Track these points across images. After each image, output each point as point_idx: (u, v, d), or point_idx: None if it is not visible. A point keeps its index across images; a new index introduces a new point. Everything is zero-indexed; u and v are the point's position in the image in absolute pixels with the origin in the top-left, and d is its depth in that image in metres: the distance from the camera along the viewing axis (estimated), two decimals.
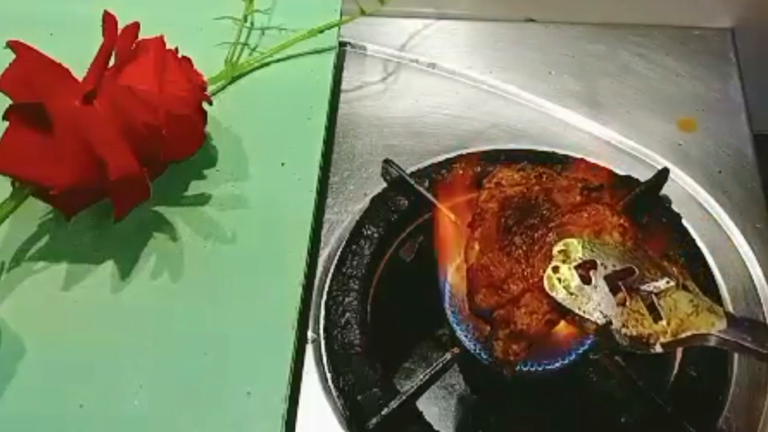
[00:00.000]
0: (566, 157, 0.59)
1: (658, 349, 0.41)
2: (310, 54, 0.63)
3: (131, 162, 0.50)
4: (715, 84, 0.65)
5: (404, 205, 0.57)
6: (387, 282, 0.56)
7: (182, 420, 0.48)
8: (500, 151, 0.60)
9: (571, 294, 0.42)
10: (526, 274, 0.45)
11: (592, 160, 0.59)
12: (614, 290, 0.42)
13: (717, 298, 0.54)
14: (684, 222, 0.57)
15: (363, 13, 0.63)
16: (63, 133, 0.48)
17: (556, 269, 0.43)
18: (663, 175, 0.57)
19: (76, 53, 0.51)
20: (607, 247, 0.44)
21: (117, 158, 0.49)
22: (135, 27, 0.53)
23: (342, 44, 0.66)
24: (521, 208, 0.47)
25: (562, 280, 0.43)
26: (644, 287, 0.42)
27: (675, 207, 0.58)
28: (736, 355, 0.52)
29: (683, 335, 0.41)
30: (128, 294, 0.52)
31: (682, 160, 0.61)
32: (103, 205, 0.52)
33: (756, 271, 0.56)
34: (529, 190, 0.48)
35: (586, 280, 0.43)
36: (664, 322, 0.41)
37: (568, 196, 0.47)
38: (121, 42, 0.52)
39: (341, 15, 0.64)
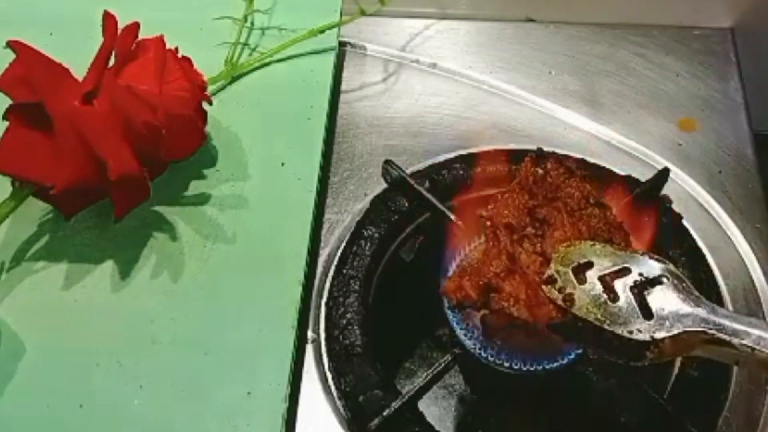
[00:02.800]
0: (567, 157, 0.59)
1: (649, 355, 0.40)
2: (310, 54, 0.63)
3: (131, 162, 0.50)
4: (715, 84, 0.65)
5: (404, 206, 0.57)
6: (387, 282, 0.56)
7: (182, 420, 0.48)
8: (500, 151, 0.60)
9: (564, 292, 0.41)
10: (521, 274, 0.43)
11: (592, 160, 0.59)
12: (607, 290, 0.41)
13: (717, 298, 0.54)
14: (684, 222, 0.57)
15: (363, 13, 0.63)
16: (63, 133, 0.48)
17: (551, 279, 0.42)
18: (663, 175, 0.57)
19: (76, 53, 0.51)
20: (600, 248, 0.43)
21: (117, 158, 0.49)
22: (135, 27, 0.53)
23: (342, 44, 0.66)
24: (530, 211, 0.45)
25: (557, 281, 0.42)
26: (637, 285, 0.41)
27: (675, 207, 0.58)
28: None
29: (669, 334, 0.39)
30: (128, 294, 0.52)
31: (682, 160, 0.61)
32: (103, 205, 0.52)
33: (756, 271, 0.56)
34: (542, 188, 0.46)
35: (580, 279, 0.42)
36: (653, 321, 0.40)
37: (570, 202, 0.46)
38: (121, 42, 0.52)
39: (341, 15, 0.64)
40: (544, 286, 0.42)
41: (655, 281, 0.41)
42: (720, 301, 0.54)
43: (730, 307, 0.54)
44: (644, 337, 0.39)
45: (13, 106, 0.49)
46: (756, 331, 0.38)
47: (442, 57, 0.67)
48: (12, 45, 0.49)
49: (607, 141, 0.62)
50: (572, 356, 0.48)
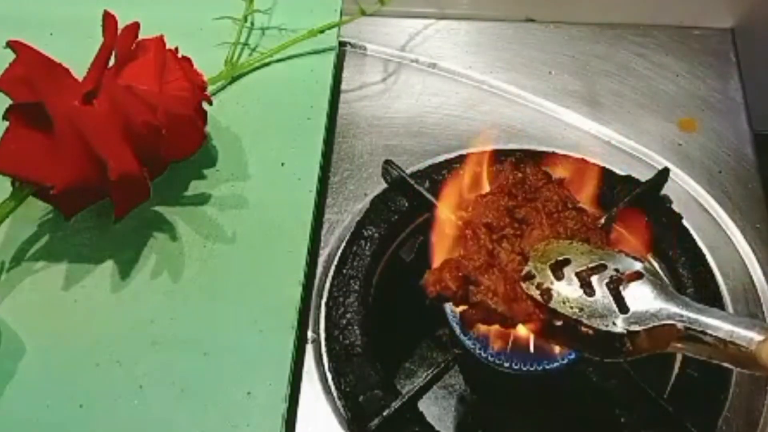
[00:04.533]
0: (566, 157, 0.59)
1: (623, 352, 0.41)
2: (310, 54, 0.63)
3: (131, 162, 0.50)
4: (715, 84, 0.65)
5: (404, 206, 0.57)
6: (387, 282, 0.56)
7: (182, 420, 0.48)
8: (500, 151, 0.60)
9: (539, 287, 0.42)
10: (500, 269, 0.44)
11: (592, 160, 0.59)
12: (584, 285, 0.42)
13: (717, 298, 0.54)
14: (684, 222, 0.57)
15: (363, 13, 0.63)
16: (63, 133, 0.48)
17: (529, 276, 0.43)
18: (663, 175, 0.57)
19: (76, 53, 0.51)
20: (577, 246, 0.44)
21: (117, 158, 0.49)
22: (135, 27, 0.53)
23: (342, 44, 0.66)
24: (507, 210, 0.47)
25: (535, 277, 0.42)
26: (613, 280, 0.42)
27: (675, 207, 0.58)
28: None
29: (643, 326, 0.40)
30: (128, 294, 0.52)
31: (682, 160, 0.61)
32: (103, 205, 0.52)
33: (756, 271, 0.56)
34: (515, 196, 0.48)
35: (558, 276, 0.42)
36: (629, 315, 0.41)
37: (548, 205, 0.47)
38: (121, 42, 0.52)
39: (341, 15, 0.64)
40: (522, 283, 0.43)
41: (631, 277, 0.42)
42: (719, 301, 0.54)
43: (730, 307, 0.54)
44: (619, 329, 0.40)
45: (13, 106, 0.49)
46: (727, 325, 0.39)
47: (442, 57, 0.67)
48: (12, 45, 0.49)
49: (607, 141, 0.62)
50: (572, 356, 0.48)
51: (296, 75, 0.62)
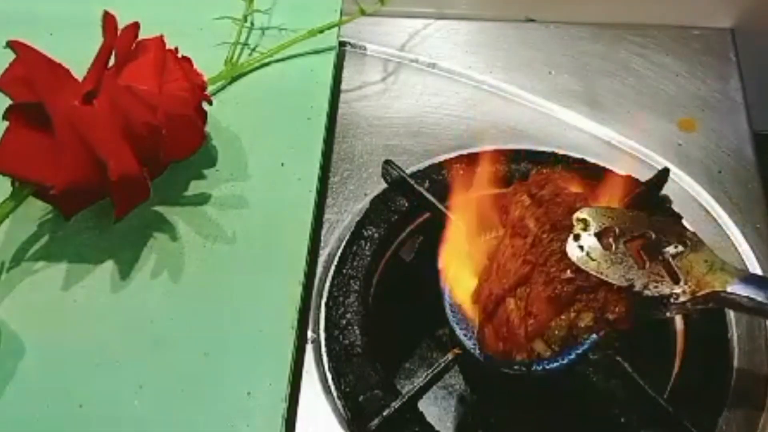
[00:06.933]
0: (566, 157, 0.59)
1: (674, 311, 0.43)
2: (310, 54, 0.63)
3: (131, 162, 0.50)
4: (715, 84, 0.65)
5: (404, 206, 0.57)
6: (387, 282, 0.56)
7: (182, 420, 0.48)
8: (500, 151, 0.60)
9: (593, 260, 0.43)
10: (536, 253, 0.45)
11: (592, 160, 0.59)
12: (633, 255, 0.43)
13: None
14: (684, 222, 0.57)
15: (363, 13, 0.63)
16: (63, 133, 0.48)
17: (577, 237, 0.44)
18: (663, 175, 0.57)
19: (76, 53, 0.51)
20: (623, 215, 0.45)
21: (117, 158, 0.49)
22: (135, 27, 0.53)
23: (342, 44, 0.66)
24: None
25: (583, 248, 0.43)
26: (662, 250, 0.44)
27: (675, 207, 0.58)
28: (737, 355, 0.52)
29: (700, 294, 0.42)
30: (128, 294, 0.52)
31: (682, 160, 0.61)
32: (103, 205, 0.52)
33: (756, 271, 0.56)
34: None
35: (606, 245, 0.43)
36: (682, 283, 0.43)
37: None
38: (121, 42, 0.52)
39: (341, 15, 0.64)
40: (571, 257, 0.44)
41: (676, 247, 0.44)
42: None
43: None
44: (675, 300, 0.43)
45: (13, 106, 0.49)
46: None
47: (442, 57, 0.67)
48: (12, 45, 0.49)
49: (607, 141, 0.62)
50: (572, 356, 0.48)
51: (296, 75, 0.62)
